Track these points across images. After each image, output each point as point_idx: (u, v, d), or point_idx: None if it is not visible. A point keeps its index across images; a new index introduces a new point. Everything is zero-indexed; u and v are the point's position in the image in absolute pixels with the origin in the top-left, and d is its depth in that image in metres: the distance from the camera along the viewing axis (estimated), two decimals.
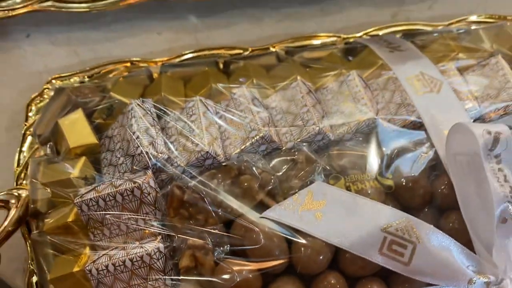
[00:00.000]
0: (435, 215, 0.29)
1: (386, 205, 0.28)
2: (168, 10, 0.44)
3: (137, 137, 0.30)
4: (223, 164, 0.31)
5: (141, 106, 0.31)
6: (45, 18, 0.43)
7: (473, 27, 0.42)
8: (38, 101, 0.40)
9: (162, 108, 0.33)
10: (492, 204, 0.27)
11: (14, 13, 0.41)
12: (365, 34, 0.44)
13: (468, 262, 0.27)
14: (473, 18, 0.45)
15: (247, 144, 0.31)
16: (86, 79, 0.40)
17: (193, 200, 0.28)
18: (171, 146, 0.31)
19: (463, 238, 0.28)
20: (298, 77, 0.35)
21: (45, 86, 0.39)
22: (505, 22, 0.41)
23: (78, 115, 0.33)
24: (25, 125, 0.38)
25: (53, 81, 0.40)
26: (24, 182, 0.39)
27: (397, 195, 0.29)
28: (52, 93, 0.38)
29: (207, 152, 0.30)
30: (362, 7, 0.47)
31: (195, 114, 0.32)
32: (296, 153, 0.30)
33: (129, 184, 0.29)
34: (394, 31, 0.44)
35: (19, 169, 0.38)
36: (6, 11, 0.41)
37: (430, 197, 0.30)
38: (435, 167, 0.31)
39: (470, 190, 0.28)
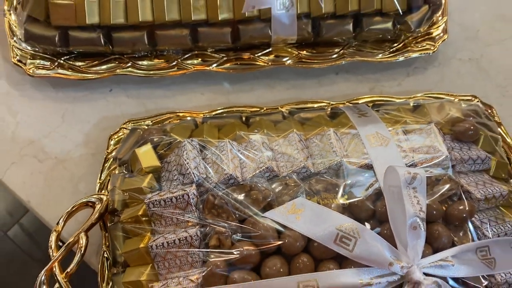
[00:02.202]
0: (375, 224, 0.42)
1: (342, 214, 0.42)
2: (209, 77, 0.57)
3: (187, 163, 0.44)
4: (241, 183, 0.43)
5: (190, 143, 0.45)
6: (123, 79, 0.55)
7: (423, 101, 0.53)
8: (116, 136, 0.52)
9: (203, 145, 0.46)
10: (407, 217, 0.41)
11: (104, 75, 0.54)
12: (348, 102, 0.55)
13: (390, 253, 0.39)
14: (419, 95, 0.56)
15: (257, 171, 0.44)
16: (151, 123, 0.52)
17: (221, 204, 0.42)
18: (208, 169, 0.44)
19: (391, 239, 0.40)
20: (294, 130, 0.47)
21: (122, 126, 0.52)
22: (444, 100, 0.54)
23: (148, 147, 0.47)
24: (107, 152, 0.51)
25: (128, 123, 0.52)
26: (103, 191, 0.50)
27: (350, 209, 0.42)
28: (128, 131, 0.50)
29: (231, 174, 0.43)
30: (348, 82, 0.59)
31: (224, 150, 0.45)
32: (288, 179, 0.43)
33: (180, 191, 0.42)
34: (368, 100, 0.55)
35: (101, 181, 0.50)
36: (99, 74, 0.58)
37: (372, 212, 0.43)
38: (378, 194, 0.43)
39: (396, 208, 0.40)
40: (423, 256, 0.40)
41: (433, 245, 0.42)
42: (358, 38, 0.58)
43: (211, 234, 0.42)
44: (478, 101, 0.56)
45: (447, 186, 0.44)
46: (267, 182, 0.44)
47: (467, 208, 0.43)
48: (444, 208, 0.44)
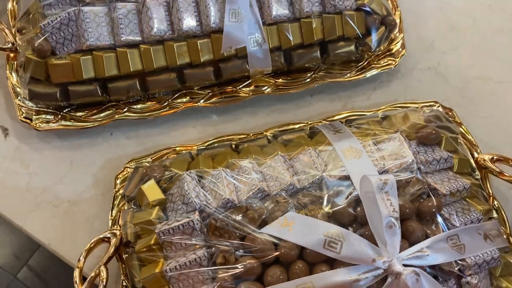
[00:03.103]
0: (358, 227, 0.48)
1: (328, 222, 0.49)
2: (198, 112, 0.63)
3: (189, 193, 0.50)
4: (237, 205, 0.49)
5: (189, 175, 0.51)
6: (121, 123, 0.61)
7: (389, 113, 0.60)
8: (121, 175, 0.57)
9: (200, 175, 0.51)
10: (382, 218, 0.47)
11: (103, 122, 0.60)
12: (324, 119, 0.61)
13: (372, 251, 0.45)
14: (385, 106, 0.62)
15: (250, 193, 0.49)
16: (151, 160, 0.58)
17: (222, 226, 0.47)
18: (208, 196, 0.49)
19: (371, 238, 0.47)
20: (279, 152, 0.53)
21: (125, 165, 0.57)
22: (408, 109, 0.60)
23: (152, 183, 0.52)
24: (115, 191, 0.56)
25: (131, 162, 0.57)
26: (115, 226, 0.55)
27: (335, 217, 0.48)
28: (132, 170, 0.56)
29: (228, 199, 0.49)
30: (322, 102, 0.65)
31: (220, 177, 0.51)
32: (278, 197, 0.49)
33: (186, 219, 0.48)
34: (343, 117, 0.61)
35: (112, 218, 0.56)
36: (99, 121, 0.64)
37: (354, 217, 0.49)
38: (357, 200, 0.49)
39: (373, 212, 0.47)
40: (401, 250, 0.46)
41: (409, 239, 0.48)
42: (326, 62, 0.65)
43: (217, 253, 0.48)
44: (439, 106, 0.63)
45: (416, 186, 0.50)
46: (260, 202, 0.50)
47: (435, 204, 0.50)
48: (415, 206, 0.50)
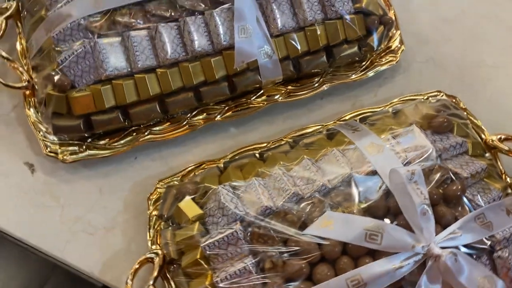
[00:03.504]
0: (391, 218, 0.51)
1: (365, 216, 0.52)
2: (216, 127, 0.65)
3: (227, 205, 0.51)
4: (276, 211, 0.51)
5: (224, 188, 0.53)
6: (144, 146, 0.62)
7: (400, 106, 0.63)
8: (152, 197, 0.58)
9: (234, 186, 0.53)
10: (416, 206, 0.50)
11: (127, 147, 0.62)
12: (339, 120, 0.64)
13: (410, 238, 0.48)
14: (395, 100, 0.65)
15: (286, 198, 0.52)
16: (179, 178, 0.59)
17: (265, 233, 0.50)
18: (246, 206, 0.51)
19: (407, 227, 0.50)
20: (305, 156, 0.56)
21: (156, 186, 0.58)
22: (416, 101, 0.63)
23: (188, 199, 0.53)
24: (149, 212, 0.57)
25: (160, 183, 0.59)
26: (154, 246, 0.56)
27: (369, 211, 0.51)
28: (163, 190, 0.57)
29: (266, 206, 0.51)
30: (332, 103, 0.67)
31: (254, 187, 0.53)
32: (312, 198, 0.52)
33: (229, 230, 0.50)
34: (354, 115, 0.64)
35: (150, 239, 0.56)
36: (122, 147, 0.65)
37: (387, 209, 0.51)
38: (387, 193, 0.52)
39: (406, 201, 0.49)
40: (436, 234, 0.49)
41: (441, 223, 0.51)
42: (333, 65, 0.68)
43: (264, 259, 0.50)
44: (443, 95, 0.67)
45: (439, 173, 0.54)
46: (297, 205, 0.53)
47: (459, 187, 0.53)
48: (441, 191, 0.53)
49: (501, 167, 0.62)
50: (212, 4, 0.62)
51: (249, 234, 0.51)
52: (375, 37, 0.67)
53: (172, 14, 0.61)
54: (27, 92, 0.64)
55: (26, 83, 0.63)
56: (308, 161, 0.56)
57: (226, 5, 0.61)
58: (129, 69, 0.60)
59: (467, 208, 0.53)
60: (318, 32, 0.64)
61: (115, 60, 0.60)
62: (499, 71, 0.72)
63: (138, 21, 0.61)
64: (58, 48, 0.60)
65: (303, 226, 0.51)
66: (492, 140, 0.62)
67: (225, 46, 0.61)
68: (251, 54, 0.62)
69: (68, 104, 0.60)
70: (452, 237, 0.50)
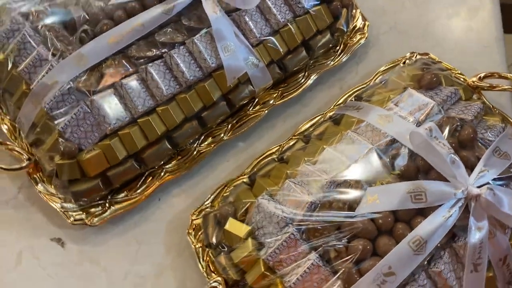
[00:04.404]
0: (423, 176, 0.55)
1: (401, 182, 0.55)
2: (225, 146, 0.66)
3: (274, 212, 0.54)
4: (320, 203, 0.53)
5: (263, 199, 0.55)
6: (165, 186, 0.63)
7: (386, 76, 0.67)
8: (191, 231, 0.59)
9: (271, 194, 0.55)
10: (445, 158, 0.54)
11: (147, 193, 0.62)
12: (334, 106, 0.67)
13: (449, 187, 0.51)
14: (383, 68, 0.70)
15: (324, 188, 0.54)
16: (210, 203, 0.60)
17: (318, 225, 0.53)
18: (290, 208, 0.53)
19: (442, 178, 0.54)
20: (324, 146, 0.59)
21: (191, 219, 0.59)
22: (398, 68, 0.68)
23: (232, 220, 0.55)
24: (193, 245, 0.58)
25: (194, 214, 0.60)
26: (209, 276, 0.57)
27: (404, 176, 0.54)
28: (199, 220, 0.59)
29: (310, 201, 0.53)
30: (322, 92, 0.71)
31: (291, 188, 0.55)
32: (348, 181, 0.55)
33: (285, 235, 0.51)
34: (347, 96, 0.67)
35: (204, 270, 0.57)
36: (143, 193, 0.65)
37: (417, 169, 0.55)
38: (412, 155, 0.55)
39: (433, 157, 0.53)
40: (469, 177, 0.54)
41: (468, 166, 0.55)
42: (312, 57, 0.71)
43: (327, 250, 0.52)
44: (416, 55, 0.71)
45: (449, 123, 0.58)
46: (336, 192, 0.55)
47: (471, 130, 0.57)
48: (456, 139, 0.58)
49: (489, 103, 0.67)
50: (189, 32, 0.63)
51: (303, 232, 0.53)
52: (342, 21, 0.70)
53: (155, 52, 0.62)
54: (30, 170, 0.62)
55: (28, 161, 0.61)
56: (329, 149, 0.58)
57: (203, 30, 0.63)
58: (130, 116, 0.60)
59: (482, 147, 0.58)
60: (293, 30, 0.67)
61: (115, 112, 0.60)
62: (453, 20, 0.78)
63: (125, 68, 0.61)
64: (52, 117, 0.59)
65: (350, 209, 0.53)
66: (473, 81, 0.67)
67: (214, 67, 0.63)
68: (240, 68, 0.64)
69: (80, 168, 0.59)
70: (482, 175, 0.54)
